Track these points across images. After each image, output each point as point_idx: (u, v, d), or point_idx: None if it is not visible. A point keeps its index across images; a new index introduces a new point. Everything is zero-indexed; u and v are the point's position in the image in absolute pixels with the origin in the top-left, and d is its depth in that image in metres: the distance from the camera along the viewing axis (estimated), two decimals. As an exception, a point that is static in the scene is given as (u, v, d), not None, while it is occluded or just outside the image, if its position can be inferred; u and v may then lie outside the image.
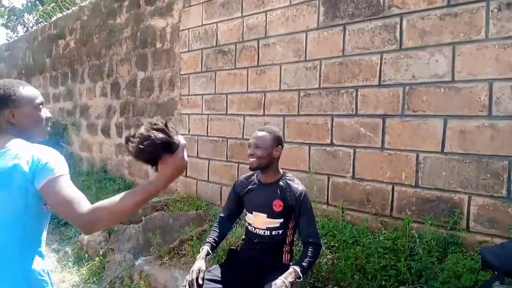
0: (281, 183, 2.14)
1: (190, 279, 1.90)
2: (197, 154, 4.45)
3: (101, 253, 3.47)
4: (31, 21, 16.17)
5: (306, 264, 1.95)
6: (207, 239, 2.23)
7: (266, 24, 3.71)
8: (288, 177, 2.17)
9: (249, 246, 2.22)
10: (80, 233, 3.97)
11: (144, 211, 3.92)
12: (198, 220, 3.88)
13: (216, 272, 2.10)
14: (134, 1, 5.38)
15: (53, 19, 7.95)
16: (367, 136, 2.98)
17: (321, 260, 2.54)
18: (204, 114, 4.36)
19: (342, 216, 3.01)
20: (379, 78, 2.92)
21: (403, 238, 2.55)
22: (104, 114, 6.13)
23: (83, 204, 1.18)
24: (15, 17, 18.37)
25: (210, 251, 2.15)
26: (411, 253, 2.45)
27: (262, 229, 2.14)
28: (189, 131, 4.54)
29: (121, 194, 1.18)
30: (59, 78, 7.54)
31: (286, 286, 1.80)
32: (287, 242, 2.15)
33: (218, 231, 2.26)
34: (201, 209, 4.14)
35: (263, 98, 3.74)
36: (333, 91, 3.19)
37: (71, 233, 4.23)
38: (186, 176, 4.56)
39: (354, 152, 3.06)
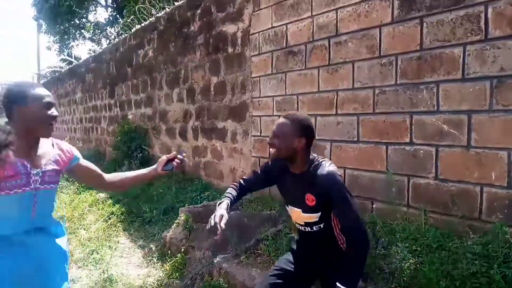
0: (309, 173, 1.86)
1: (213, 223, 1.74)
2: (269, 155, 4.50)
3: (182, 250, 3.66)
4: (113, 34, 17.50)
5: (352, 274, 1.73)
6: (226, 194, 2.04)
7: (336, 22, 3.65)
8: (315, 163, 1.88)
9: (300, 236, 2.06)
10: (163, 231, 4.21)
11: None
12: (272, 220, 3.93)
13: (283, 265, 2.05)
14: (206, 9, 5.59)
15: (132, 30, 8.53)
16: (451, 134, 2.79)
17: (403, 264, 2.44)
18: (275, 115, 4.40)
19: (424, 219, 2.86)
20: (463, 71, 2.72)
21: (494, 243, 2.35)
22: (181, 118, 6.44)
23: None
24: (99, 31, 20.06)
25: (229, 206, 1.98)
26: (505, 259, 2.26)
27: (302, 225, 1.96)
28: (260, 132, 4.61)
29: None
30: (139, 86, 8.07)
31: None
32: (336, 231, 1.89)
33: (238, 192, 2.08)
34: (274, 209, 4.19)
35: (335, 97, 3.68)
36: (411, 87, 3.04)
37: (155, 231, 4.51)
38: (259, 177, 4.63)
39: (437, 151, 2.89)
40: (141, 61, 7.96)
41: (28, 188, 1.56)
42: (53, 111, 1.60)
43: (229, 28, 5.09)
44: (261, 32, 4.52)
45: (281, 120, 1.88)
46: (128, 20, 8.98)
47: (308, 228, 1.93)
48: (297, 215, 1.95)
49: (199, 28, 5.84)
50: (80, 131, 12.72)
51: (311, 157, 1.91)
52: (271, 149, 1.91)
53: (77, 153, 1.84)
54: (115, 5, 18.83)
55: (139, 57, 8.05)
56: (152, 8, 7.66)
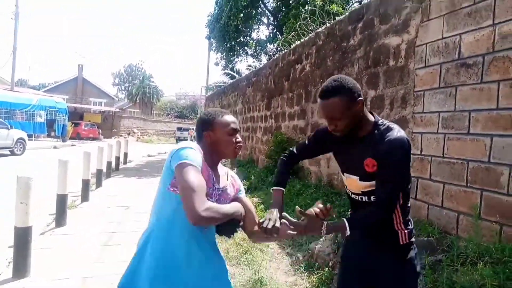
0: (374, 136, 1.64)
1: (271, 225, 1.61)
2: (430, 176, 4.14)
3: (330, 264, 3.62)
4: (272, 50, 18.66)
5: (358, 222, 1.61)
6: (278, 177, 1.92)
7: (526, 29, 3.16)
8: (382, 125, 1.65)
9: (355, 209, 1.85)
10: (311, 242, 4.25)
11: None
12: (430, 248, 3.57)
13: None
14: (369, 22, 5.50)
15: (292, 46, 8.95)
16: None
17: None
18: (440, 133, 4.02)
19: None
20: None
21: None
22: (333, 131, 6.44)
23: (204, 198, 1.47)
24: (259, 47, 21.65)
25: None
26: None
27: (358, 194, 1.73)
28: (421, 151, 4.28)
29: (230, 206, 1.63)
30: (294, 99, 8.40)
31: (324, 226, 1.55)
32: (397, 207, 1.65)
33: (288, 166, 1.96)
34: (433, 236, 3.82)
35: (520, 116, 3.17)
36: None
37: (302, 241, 4.58)
38: (415, 198, 4.30)
39: None
40: (298, 75, 8.27)
41: (210, 199, 1.65)
42: (236, 137, 1.73)
43: (392, 41, 4.89)
44: (429, 44, 4.21)
45: (326, 101, 1.62)
46: (289, 37, 9.47)
47: (366, 197, 1.70)
48: (354, 184, 1.73)
49: (359, 42, 5.78)
50: (237, 139, 13.89)
51: (374, 118, 1.69)
52: (337, 134, 1.67)
53: (242, 186, 1.90)
54: (275, 23, 20.10)
55: (296, 71, 8.39)
56: (312, 24, 7.92)
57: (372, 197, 1.66)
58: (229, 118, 1.74)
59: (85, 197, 7.26)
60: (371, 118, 1.69)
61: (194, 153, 1.57)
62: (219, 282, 1.72)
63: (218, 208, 1.52)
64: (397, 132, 1.60)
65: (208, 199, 1.53)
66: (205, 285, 1.63)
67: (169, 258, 1.58)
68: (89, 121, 36.66)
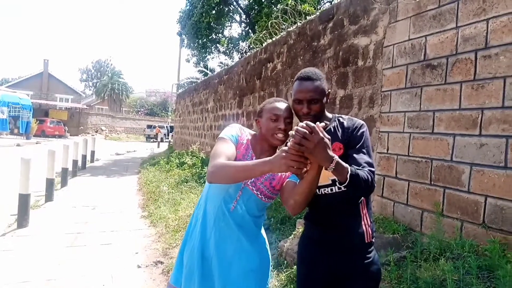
0: (334, 124, 1.74)
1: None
2: (396, 174, 4.24)
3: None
4: (244, 48, 18.63)
5: (359, 173, 1.46)
6: None
7: (487, 33, 3.28)
8: (339, 117, 1.78)
9: (314, 222, 1.78)
10: (280, 240, 4.26)
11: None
12: (395, 244, 3.67)
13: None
14: (339, 22, 5.57)
15: (264, 45, 8.96)
16: None
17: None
18: (406, 132, 4.13)
19: None
20: None
21: None
22: (303, 130, 6.49)
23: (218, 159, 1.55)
24: (232, 45, 21.58)
25: None
26: None
27: (327, 185, 1.66)
28: (387, 149, 4.38)
29: (244, 162, 1.56)
30: (265, 97, 8.41)
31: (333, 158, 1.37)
32: (363, 203, 1.67)
33: None
34: (398, 233, 3.91)
35: (480, 116, 3.29)
36: None
37: (272, 239, 4.59)
38: (382, 196, 4.40)
39: None
40: (269, 74, 8.29)
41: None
42: (278, 124, 1.73)
43: (361, 41, 4.97)
44: (396, 45, 4.31)
45: (310, 83, 1.69)
46: (260, 35, 9.47)
47: (335, 188, 1.65)
48: (321, 174, 1.63)
49: (329, 42, 5.84)
50: (209, 137, 13.78)
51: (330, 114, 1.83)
52: (306, 118, 1.63)
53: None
54: (248, 21, 20.07)
55: (267, 70, 8.41)
56: (284, 23, 7.94)
57: (342, 186, 1.57)
58: (277, 104, 1.80)
59: (49, 196, 7.01)
60: (327, 113, 1.81)
61: (229, 128, 1.77)
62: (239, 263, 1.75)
63: (226, 164, 1.51)
64: (357, 120, 1.74)
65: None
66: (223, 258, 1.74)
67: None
68: (55, 117, 35.45)
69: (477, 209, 3.27)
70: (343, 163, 1.42)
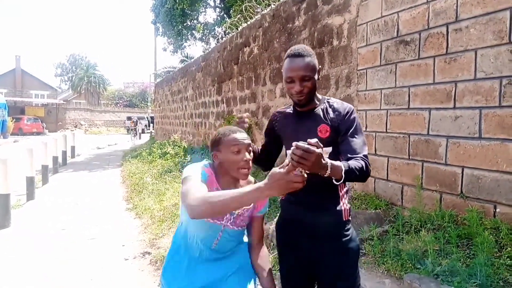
0: (323, 106, 1.73)
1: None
2: (375, 151, 4.30)
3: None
4: (220, 33, 18.41)
5: (352, 165, 1.47)
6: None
7: (457, 6, 3.32)
8: (328, 99, 1.76)
9: (292, 202, 1.79)
10: (266, 223, 4.29)
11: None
12: (378, 220, 3.75)
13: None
14: (312, 2, 5.54)
15: (239, 29, 8.86)
16: None
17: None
18: (383, 109, 4.18)
19: None
20: None
21: None
22: (283, 113, 6.49)
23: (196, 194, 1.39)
24: (207, 31, 21.27)
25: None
26: None
27: None
28: (366, 127, 4.43)
29: (230, 191, 1.34)
30: (244, 82, 8.37)
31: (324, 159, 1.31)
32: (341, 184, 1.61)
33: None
34: (380, 208, 4.00)
35: (453, 89, 3.35)
36: (550, 76, 2.63)
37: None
38: (363, 173, 4.46)
39: None
40: (246, 58, 8.23)
41: (218, 222, 1.63)
42: (243, 156, 1.61)
43: (335, 21, 4.97)
44: (370, 22, 4.32)
45: (301, 59, 1.64)
46: (235, 19, 9.35)
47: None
48: None
49: (303, 23, 5.82)
50: (190, 126, 13.68)
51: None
52: (300, 97, 1.66)
53: (267, 205, 1.81)
54: (222, 5, 19.77)
55: (244, 54, 8.33)
56: (258, 6, 7.86)
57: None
58: (235, 135, 1.62)
59: (30, 195, 6.88)
60: (317, 94, 1.77)
61: (190, 167, 1.61)
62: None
63: (209, 196, 1.36)
64: (346, 104, 1.72)
65: (217, 222, 1.62)
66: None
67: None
68: (31, 115, 34.55)
69: (455, 180, 3.36)
70: (335, 163, 1.40)
